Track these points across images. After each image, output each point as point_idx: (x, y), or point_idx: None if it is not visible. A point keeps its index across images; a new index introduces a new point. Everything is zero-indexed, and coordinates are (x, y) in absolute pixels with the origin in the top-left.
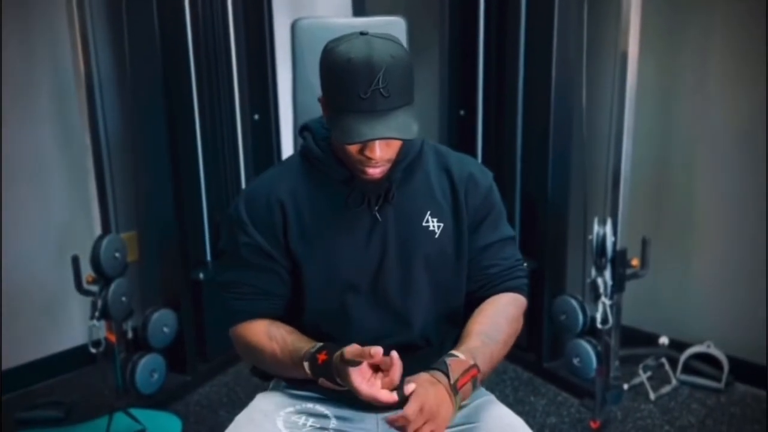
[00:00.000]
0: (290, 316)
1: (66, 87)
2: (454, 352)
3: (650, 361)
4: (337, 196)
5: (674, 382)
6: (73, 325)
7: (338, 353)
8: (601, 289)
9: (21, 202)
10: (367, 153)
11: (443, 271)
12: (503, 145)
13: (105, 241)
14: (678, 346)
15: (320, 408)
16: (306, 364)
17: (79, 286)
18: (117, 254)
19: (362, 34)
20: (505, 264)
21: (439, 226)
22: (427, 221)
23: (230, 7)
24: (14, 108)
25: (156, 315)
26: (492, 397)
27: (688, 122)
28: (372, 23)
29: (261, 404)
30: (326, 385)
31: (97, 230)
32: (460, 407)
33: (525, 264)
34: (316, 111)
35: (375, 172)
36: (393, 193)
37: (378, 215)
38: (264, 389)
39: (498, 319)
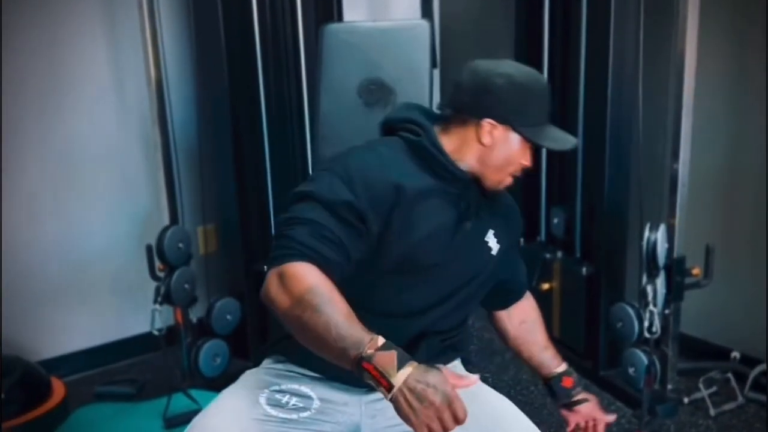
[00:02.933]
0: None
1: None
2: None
3: (715, 375)
4: (443, 195)
5: (740, 399)
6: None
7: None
8: (650, 297)
9: (108, 194)
10: (528, 161)
11: (483, 286)
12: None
13: (169, 233)
14: (749, 361)
15: (305, 389)
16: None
17: (152, 273)
18: (180, 245)
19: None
20: (521, 280)
21: (497, 246)
22: (489, 238)
23: (299, 6)
24: (103, 106)
25: (220, 303)
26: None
27: (759, 126)
28: (397, 26)
29: (247, 381)
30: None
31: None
32: None
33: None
34: (339, 111)
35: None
36: (487, 205)
37: (470, 223)
38: None
39: (542, 329)
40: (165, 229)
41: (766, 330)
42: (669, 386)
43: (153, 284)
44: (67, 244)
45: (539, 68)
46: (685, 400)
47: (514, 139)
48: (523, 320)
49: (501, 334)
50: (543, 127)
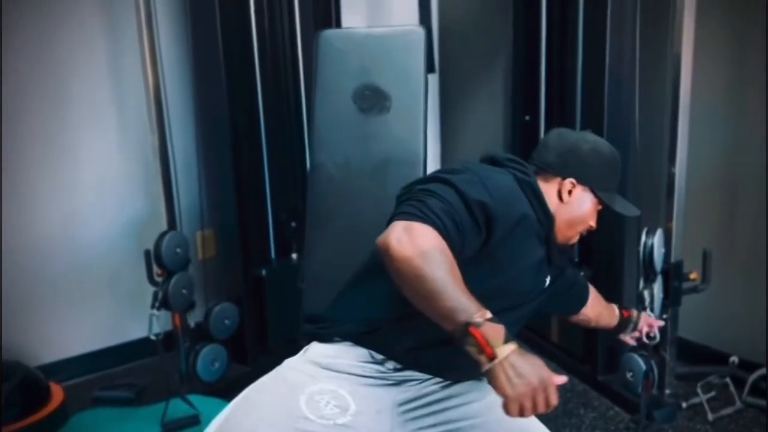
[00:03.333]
0: None
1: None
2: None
3: (714, 380)
4: (538, 234)
5: (738, 403)
6: None
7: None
8: (647, 302)
9: (107, 198)
10: (594, 223)
11: (529, 314)
12: None
13: (167, 238)
14: (748, 366)
15: (343, 392)
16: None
17: (150, 278)
18: (178, 250)
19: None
20: (582, 281)
21: (548, 282)
22: (547, 278)
23: (297, 11)
24: (102, 109)
25: (218, 308)
26: None
27: (759, 127)
28: (392, 33)
29: (289, 375)
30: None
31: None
32: None
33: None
34: (334, 117)
35: None
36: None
37: (547, 263)
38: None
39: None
40: (162, 235)
41: (766, 334)
42: (667, 391)
43: (151, 289)
44: (66, 249)
45: (537, 71)
46: (684, 404)
47: (589, 200)
48: (594, 304)
49: (583, 323)
50: (614, 194)
